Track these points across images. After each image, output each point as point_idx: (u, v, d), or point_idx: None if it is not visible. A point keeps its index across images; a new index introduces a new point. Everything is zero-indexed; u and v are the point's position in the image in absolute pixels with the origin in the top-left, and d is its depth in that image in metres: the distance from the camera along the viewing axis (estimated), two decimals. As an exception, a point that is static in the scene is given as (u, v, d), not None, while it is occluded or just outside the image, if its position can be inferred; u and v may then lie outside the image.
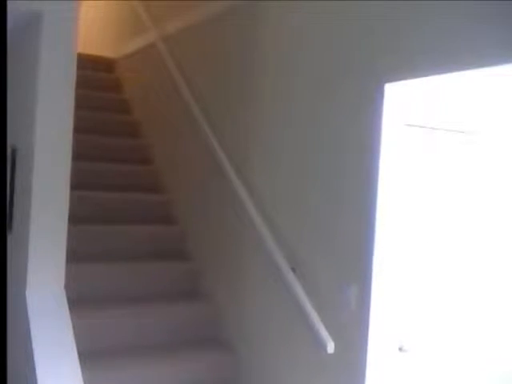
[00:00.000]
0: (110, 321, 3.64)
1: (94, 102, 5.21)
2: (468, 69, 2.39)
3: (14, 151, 3.42)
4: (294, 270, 3.22)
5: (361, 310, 2.80)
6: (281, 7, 3.52)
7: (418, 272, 3.18)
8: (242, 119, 3.86)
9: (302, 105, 3.31)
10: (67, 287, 3.19)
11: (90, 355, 3.16)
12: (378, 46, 2.82)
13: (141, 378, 3.42)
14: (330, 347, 2.93)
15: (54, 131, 3.12)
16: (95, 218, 4.31)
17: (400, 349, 3.10)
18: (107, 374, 3.33)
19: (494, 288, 3.45)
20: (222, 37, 4.17)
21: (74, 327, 3.05)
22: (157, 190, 4.84)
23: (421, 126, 3.09)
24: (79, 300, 3.47)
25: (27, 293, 3.07)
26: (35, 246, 3.09)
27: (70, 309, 3.11)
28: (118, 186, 4.69)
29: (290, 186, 3.37)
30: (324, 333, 2.97)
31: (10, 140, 3.48)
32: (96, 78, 5.62)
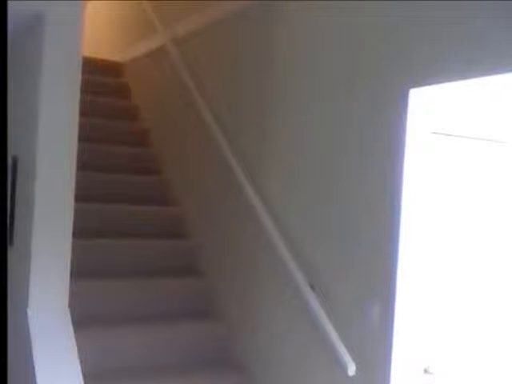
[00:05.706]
0: (118, 341, 3.60)
1: (99, 109, 5.17)
2: (497, 73, 2.38)
3: (15, 160, 3.40)
4: (312, 286, 3.18)
5: (384, 330, 2.76)
6: (299, 7, 3.47)
7: (445, 289, 3.12)
8: (257, 124, 3.82)
9: (322, 110, 3.25)
10: (71, 305, 3.15)
11: (95, 377, 3.12)
12: (402, 49, 2.79)
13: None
14: (351, 369, 2.88)
15: (57, 139, 3.12)
16: (101, 232, 4.26)
17: (425, 371, 3.03)
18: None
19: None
20: (236, 39, 4.14)
21: (78, 347, 3.01)
22: (166, 202, 4.78)
23: (447, 134, 3.06)
24: (84, 319, 3.42)
25: (29, 311, 3.03)
26: (37, 262, 3.05)
27: (74, 328, 3.08)
28: (126, 197, 4.64)
29: (308, 198, 3.31)
30: (344, 353, 2.92)
31: (11, 148, 3.47)
32: (102, 83, 5.58)
